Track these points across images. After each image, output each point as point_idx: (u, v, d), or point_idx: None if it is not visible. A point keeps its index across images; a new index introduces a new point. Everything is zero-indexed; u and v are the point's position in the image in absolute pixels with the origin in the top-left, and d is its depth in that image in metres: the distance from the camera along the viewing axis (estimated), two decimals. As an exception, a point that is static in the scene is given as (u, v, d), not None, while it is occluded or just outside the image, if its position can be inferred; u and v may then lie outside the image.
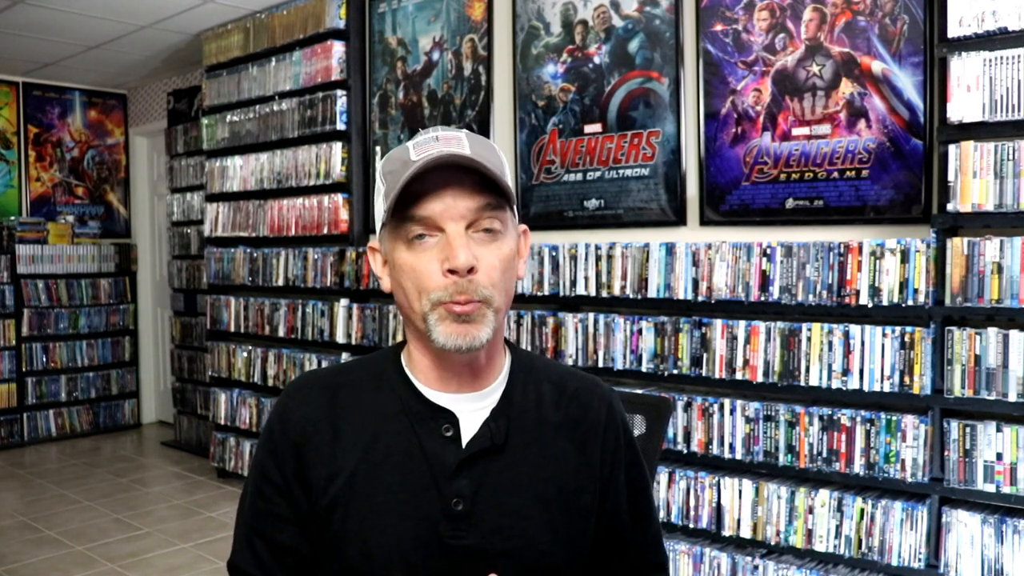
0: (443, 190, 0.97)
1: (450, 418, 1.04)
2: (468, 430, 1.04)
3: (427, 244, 0.98)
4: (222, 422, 4.97)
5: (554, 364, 1.18)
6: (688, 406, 2.92)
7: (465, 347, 0.98)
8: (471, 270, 0.97)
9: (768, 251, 2.77)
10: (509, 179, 1.03)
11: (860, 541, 2.57)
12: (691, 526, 2.90)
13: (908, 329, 2.50)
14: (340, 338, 4.26)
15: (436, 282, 0.97)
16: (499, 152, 1.06)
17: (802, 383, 2.68)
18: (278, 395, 1.14)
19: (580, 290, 3.25)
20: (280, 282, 4.65)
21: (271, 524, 1.06)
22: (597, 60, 3.44)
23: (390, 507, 1.01)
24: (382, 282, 1.07)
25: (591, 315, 3.18)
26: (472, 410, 1.05)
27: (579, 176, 3.51)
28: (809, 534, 2.66)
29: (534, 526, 1.04)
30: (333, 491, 1.03)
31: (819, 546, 2.64)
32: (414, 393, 1.06)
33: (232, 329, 4.98)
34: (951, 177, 2.38)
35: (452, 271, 0.96)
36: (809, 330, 2.67)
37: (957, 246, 2.37)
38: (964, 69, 2.36)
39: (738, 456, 2.82)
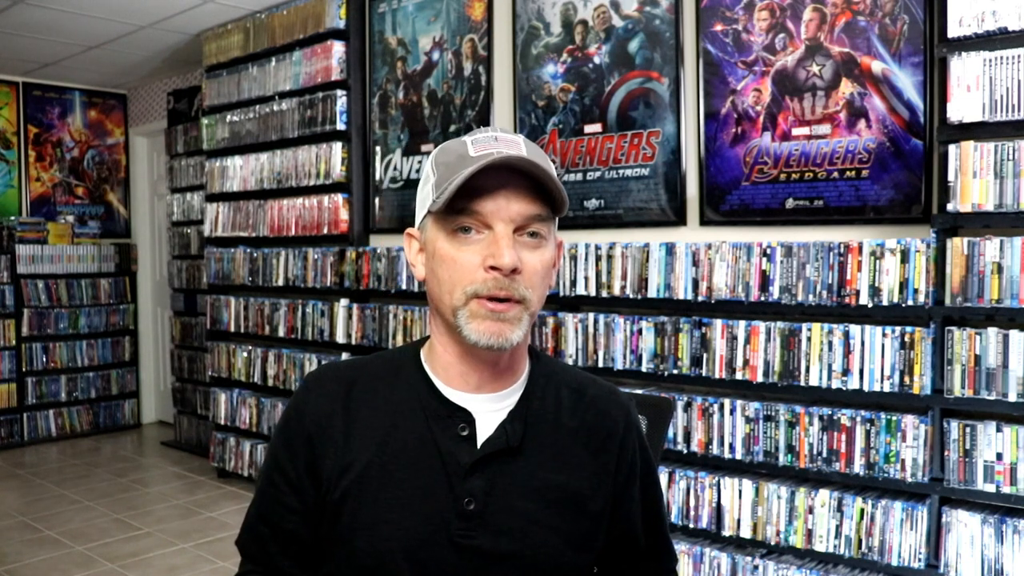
0: (499, 190, 0.98)
1: (466, 417, 1.04)
2: (484, 430, 1.04)
3: (472, 239, 0.99)
4: (222, 422, 4.97)
5: (574, 371, 1.18)
6: (688, 406, 2.92)
7: (496, 346, 0.98)
8: (514, 271, 0.98)
9: (768, 251, 2.77)
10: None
11: (860, 541, 2.57)
12: (691, 526, 2.90)
13: (908, 329, 2.50)
14: (340, 338, 4.26)
15: (475, 275, 0.98)
16: (550, 161, 1.06)
17: (802, 383, 2.68)
18: (279, 395, 1.15)
19: (580, 290, 3.25)
20: (280, 282, 4.65)
21: (278, 512, 1.08)
22: (597, 60, 3.44)
23: (401, 502, 1.02)
24: (415, 270, 1.08)
25: (591, 315, 3.18)
26: (489, 411, 1.05)
27: (579, 176, 3.51)
28: (809, 534, 2.66)
29: (544, 530, 1.04)
30: (345, 483, 1.03)
31: (819, 546, 2.64)
32: (432, 390, 1.06)
33: (232, 329, 4.98)
34: (951, 177, 2.38)
35: (494, 268, 0.97)
36: (809, 330, 2.67)
37: (957, 246, 2.37)
38: (964, 69, 2.36)
39: (738, 456, 2.82)
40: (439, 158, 1.03)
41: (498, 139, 1.01)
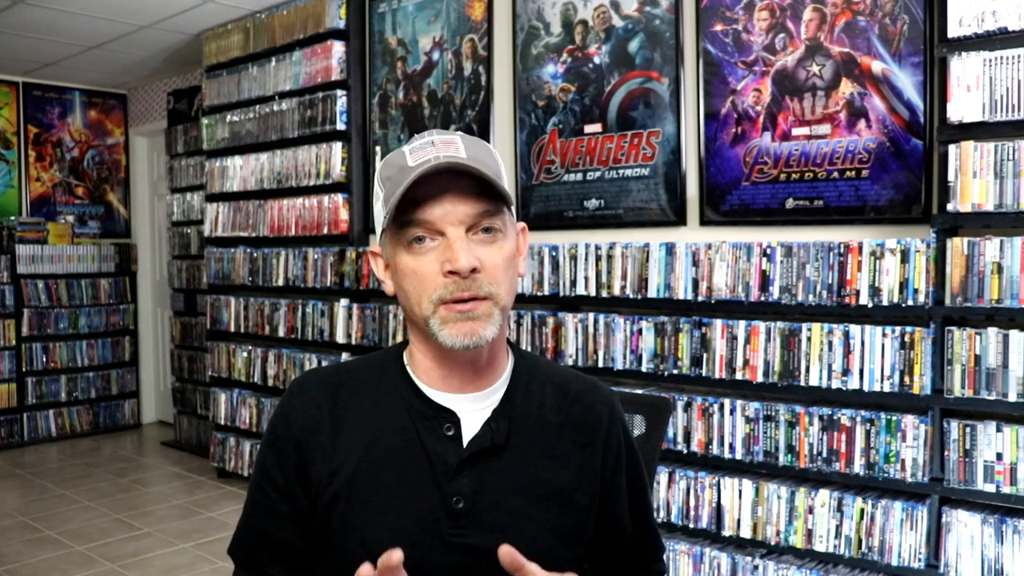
0: (443, 195, 0.98)
1: (451, 417, 1.05)
2: (469, 430, 1.05)
3: (428, 247, 1.00)
4: (222, 422, 4.97)
5: (556, 366, 1.19)
6: (688, 406, 2.92)
7: (472, 345, 0.99)
8: (474, 270, 0.98)
9: (768, 251, 2.77)
10: (505, 180, 1.05)
11: (860, 541, 2.57)
12: (691, 526, 2.90)
13: (908, 329, 2.50)
14: (340, 338, 4.26)
15: (437, 282, 0.99)
16: (495, 153, 1.07)
17: (802, 383, 2.68)
18: (279, 395, 1.16)
19: (580, 290, 3.25)
20: (280, 282, 4.65)
21: (268, 520, 1.08)
22: (597, 60, 3.44)
23: (391, 504, 1.02)
24: (385, 286, 1.09)
25: (591, 315, 3.18)
26: (473, 410, 1.06)
27: (579, 176, 3.51)
28: (809, 534, 2.66)
29: (534, 525, 1.05)
30: (334, 488, 1.04)
31: (819, 546, 2.64)
32: (416, 392, 1.07)
33: (232, 329, 4.98)
34: (951, 177, 2.38)
35: (453, 272, 0.98)
36: (809, 330, 2.67)
37: (957, 246, 2.37)
38: (964, 69, 2.36)
39: (738, 456, 2.82)
40: (383, 173, 1.04)
41: (435, 143, 1.01)
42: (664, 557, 1.25)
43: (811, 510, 2.66)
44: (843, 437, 2.61)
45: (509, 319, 3.36)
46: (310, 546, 1.08)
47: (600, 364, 3.14)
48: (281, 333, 4.60)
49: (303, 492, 1.06)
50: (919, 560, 2.48)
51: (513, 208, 1.07)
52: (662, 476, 2.95)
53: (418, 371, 1.08)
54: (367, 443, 1.05)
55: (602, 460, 1.11)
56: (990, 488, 2.35)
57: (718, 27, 3.06)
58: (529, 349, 2.94)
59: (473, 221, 0.99)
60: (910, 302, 2.49)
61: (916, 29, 2.64)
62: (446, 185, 0.98)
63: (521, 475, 1.05)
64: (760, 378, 2.77)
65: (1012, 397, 2.29)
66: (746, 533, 2.79)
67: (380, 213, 1.04)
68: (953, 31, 2.38)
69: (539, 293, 3.39)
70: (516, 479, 1.05)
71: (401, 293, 1.04)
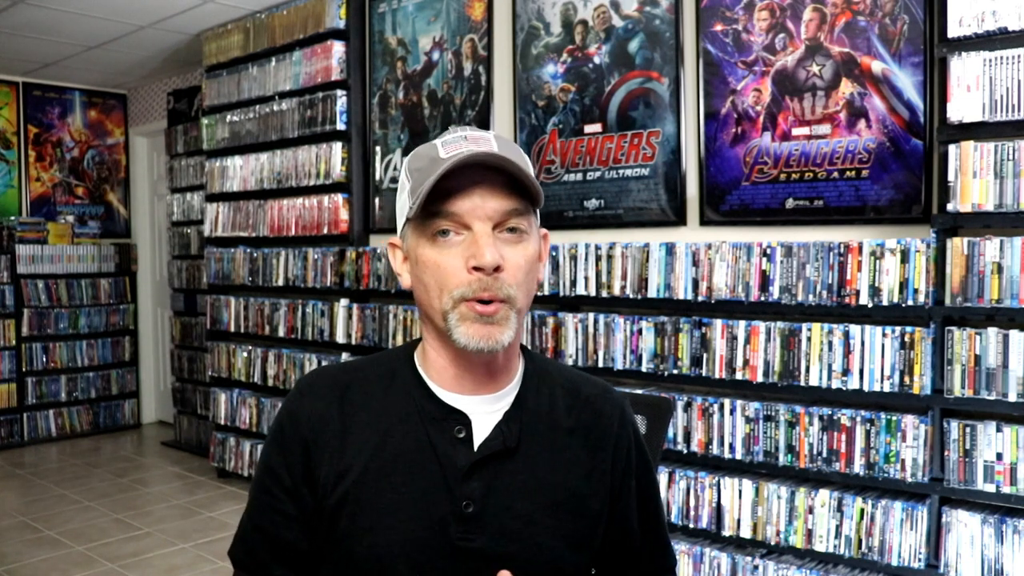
0: (472, 188, 0.97)
1: (462, 419, 1.03)
2: (480, 432, 1.04)
3: (452, 241, 0.98)
4: (222, 422, 4.97)
5: (568, 369, 1.18)
6: (688, 406, 2.92)
7: (487, 349, 0.97)
8: (497, 268, 0.96)
9: (768, 251, 2.77)
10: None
11: (860, 541, 2.57)
12: (691, 526, 2.90)
13: (908, 329, 2.50)
14: (340, 338, 4.26)
15: (460, 278, 0.97)
16: (524, 155, 1.05)
17: (802, 383, 2.68)
18: (279, 395, 1.15)
19: (580, 290, 3.25)
20: (280, 282, 4.65)
21: (272, 520, 1.06)
22: (597, 60, 3.44)
23: (399, 506, 1.01)
24: (401, 279, 1.07)
25: (591, 315, 3.18)
26: (485, 412, 1.05)
27: (579, 176, 3.51)
28: (809, 534, 2.66)
29: (543, 530, 1.03)
30: (342, 489, 1.02)
31: (819, 546, 2.64)
32: (427, 393, 1.05)
33: (232, 329, 4.98)
34: (951, 177, 2.38)
35: (477, 268, 0.96)
36: (809, 330, 2.67)
37: (957, 246, 2.37)
38: (964, 69, 2.36)
39: (738, 456, 2.82)
40: (412, 164, 1.03)
41: (467, 138, 1.00)
42: (676, 568, 1.22)
43: (811, 510, 2.66)
44: (843, 437, 2.61)
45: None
46: (314, 547, 1.06)
47: (600, 364, 3.13)
48: (281, 333, 4.60)
49: (309, 492, 1.04)
50: (919, 560, 2.48)
51: (539, 211, 1.05)
52: (662, 476, 2.95)
53: (430, 371, 1.06)
54: (376, 444, 1.03)
55: (612, 465, 1.10)
56: (990, 488, 2.35)
57: (718, 27, 3.06)
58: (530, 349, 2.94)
59: (501, 218, 0.98)
60: (910, 302, 2.49)
61: (916, 29, 2.64)
62: (477, 179, 0.97)
63: (531, 479, 1.04)
64: (760, 378, 2.77)
65: (1012, 397, 2.29)
66: (746, 533, 2.79)
67: (405, 204, 1.02)
68: (953, 31, 2.38)
69: (539, 293, 3.38)
70: (526, 483, 1.04)
71: (420, 286, 1.02)
